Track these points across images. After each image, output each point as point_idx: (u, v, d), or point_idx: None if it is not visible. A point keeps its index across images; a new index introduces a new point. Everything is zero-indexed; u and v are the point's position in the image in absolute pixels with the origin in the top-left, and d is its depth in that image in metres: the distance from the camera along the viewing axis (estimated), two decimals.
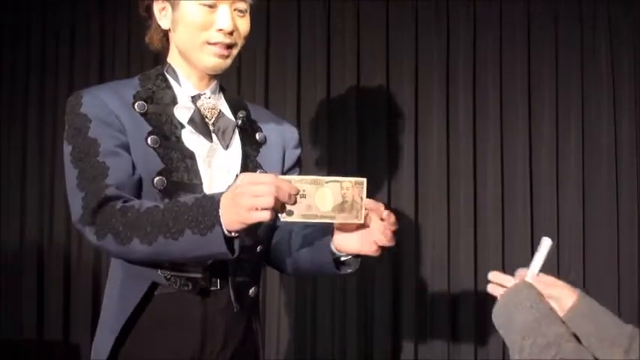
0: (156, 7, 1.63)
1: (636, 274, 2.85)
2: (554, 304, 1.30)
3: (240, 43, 1.62)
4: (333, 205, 1.40)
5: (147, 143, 1.54)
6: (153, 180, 1.52)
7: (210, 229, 1.37)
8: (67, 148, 1.54)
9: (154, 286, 1.54)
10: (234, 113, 1.69)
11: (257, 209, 1.32)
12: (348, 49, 2.97)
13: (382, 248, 1.49)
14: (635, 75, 2.91)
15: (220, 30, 1.56)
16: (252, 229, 1.44)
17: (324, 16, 2.98)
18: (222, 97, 1.70)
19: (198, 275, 1.55)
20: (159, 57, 1.74)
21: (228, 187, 1.40)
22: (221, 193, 1.38)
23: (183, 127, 1.59)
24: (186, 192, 1.53)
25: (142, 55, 2.89)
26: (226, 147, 1.62)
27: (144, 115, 1.57)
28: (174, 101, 1.62)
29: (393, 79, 2.97)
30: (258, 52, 2.97)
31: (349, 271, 1.60)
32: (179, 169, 1.55)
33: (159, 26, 1.64)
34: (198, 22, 1.56)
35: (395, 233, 1.49)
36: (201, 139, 1.60)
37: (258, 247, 1.65)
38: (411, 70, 2.96)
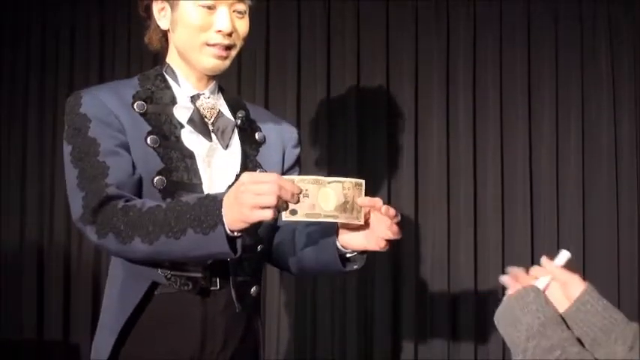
0: (155, 8, 1.63)
1: (636, 274, 2.85)
2: (561, 291, 1.29)
3: (239, 44, 1.62)
4: (336, 204, 1.40)
5: (146, 143, 1.54)
6: (153, 180, 1.53)
7: (213, 228, 1.37)
8: (67, 148, 1.54)
9: (154, 285, 1.54)
10: (234, 113, 1.69)
11: (259, 208, 1.32)
12: (348, 49, 2.97)
13: (389, 241, 1.49)
14: (635, 75, 2.90)
15: (219, 31, 1.57)
16: (252, 228, 1.44)
17: (324, 16, 2.98)
18: (221, 97, 1.71)
19: (199, 275, 1.55)
20: (158, 57, 1.74)
21: (229, 186, 1.40)
22: (223, 193, 1.39)
23: (182, 126, 1.59)
24: (186, 191, 1.53)
25: (142, 55, 2.89)
26: (226, 147, 1.63)
27: (143, 115, 1.57)
28: (173, 101, 1.62)
29: (393, 79, 2.97)
30: (258, 52, 2.97)
31: (355, 267, 1.59)
32: (179, 169, 1.55)
33: (158, 26, 1.64)
34: (197, 23, 1.56)
35: (399, 225, 1.49)
36: (201, 138, 1.60)
37: (258, 247, 1.65)
38: (411, 70, 2.96)
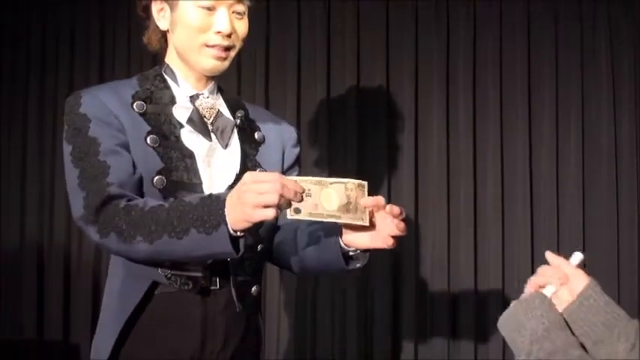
0: (154, 8, 1.63)
1: (636, 274, 2.85)
2: (567, 292, 1.29)
3: (238, 45, 1.62)
4: (339, 205, 1.41)
5: (146, 143, 1.55)
6: (152, 179, 1.53)
7: (216, 228, 1.37)
8: (67, 148, 1.54)
9: (155, 285, 1.54)
10: (233, 113, 1.69)
11: (262, 207, 1.33)
12: (348, 49, 2.97)
13: (396, 238, 1.49)
14: (635, 75, 2.90)
15: (218, 32, 1.57)
16: (254, 228, 1.44)
17: (324, 16, 2.98)
18: (221, 97, 1.71)
19: (199, 274, 1.55)
20: (158, 57, 1.74)
21: (229, 186, 1.41)
22: (226, 193, 1.39)
23: (182, 126, 1.60)
24: (186, 191, 1.53)
25: (142, 55, 2.89)
26: (225, 146, 1.63)
27: (143, 114, 1.57)
28: (172, 101, 1.62)
29: (393, 79, 2.97)
30: (258, 53, 2.97)
31: (358, 265, 1.59)
32: (178, 169, 1.56)
33: (157, 27, 1.64)
34: (197, 24, 1.57)
35: (405, 221, 1.48)
36: (201, 138, 1.60)
37: (259, 246, 1.65)
38: (411, 70, 2.96)
